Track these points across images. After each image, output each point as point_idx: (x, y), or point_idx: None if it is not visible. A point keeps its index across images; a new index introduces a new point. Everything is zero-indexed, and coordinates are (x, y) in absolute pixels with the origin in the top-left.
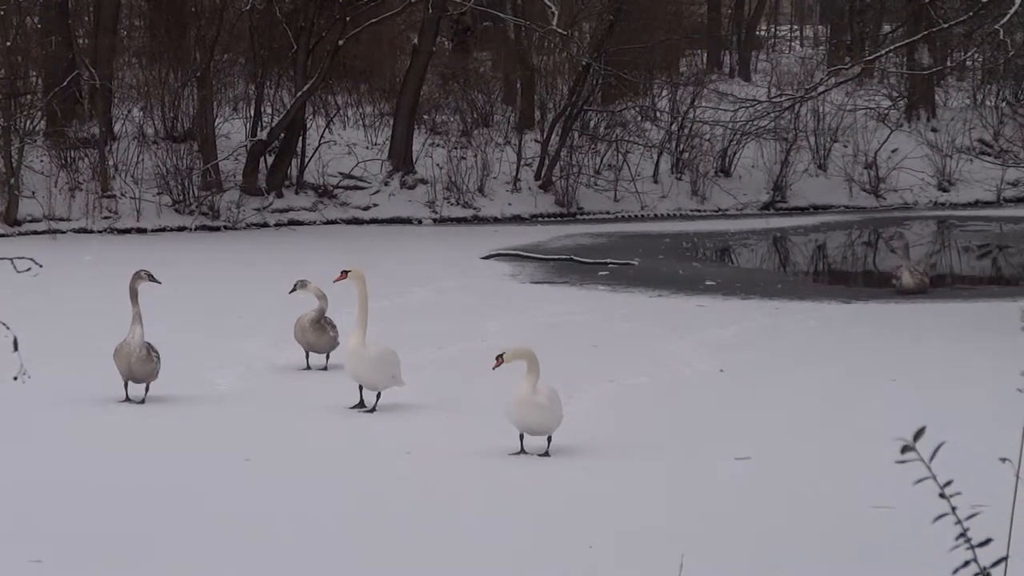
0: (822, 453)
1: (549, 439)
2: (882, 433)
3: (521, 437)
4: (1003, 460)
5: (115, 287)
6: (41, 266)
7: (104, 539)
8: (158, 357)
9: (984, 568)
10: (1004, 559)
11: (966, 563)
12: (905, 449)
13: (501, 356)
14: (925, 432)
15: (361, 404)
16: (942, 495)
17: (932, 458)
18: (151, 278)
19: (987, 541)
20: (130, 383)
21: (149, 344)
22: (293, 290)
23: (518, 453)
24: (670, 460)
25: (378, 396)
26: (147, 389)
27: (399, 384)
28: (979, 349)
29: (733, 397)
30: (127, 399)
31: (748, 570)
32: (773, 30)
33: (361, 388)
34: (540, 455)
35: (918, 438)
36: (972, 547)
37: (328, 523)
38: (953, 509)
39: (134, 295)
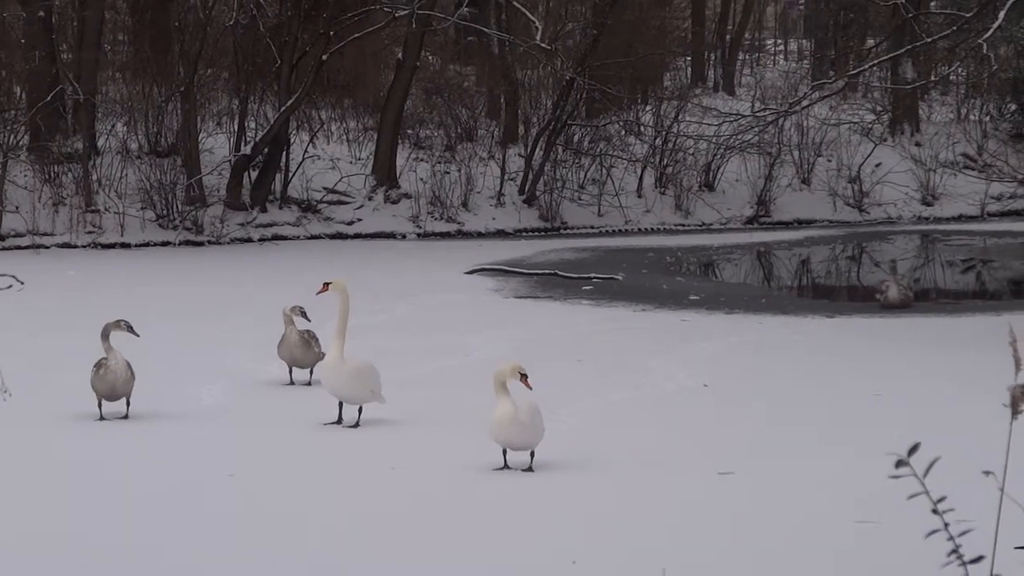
0: (805, 468)
1: (532, 454)
2: (866, 448)
3: (504, 452)
4: (987, 473)
5: (98, 302)
6: (23, 283)
7: (88, 554)
8: (133, 373)
9: None
10: None
11: None
12: (899, 464)
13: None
14: (906, 446)
15: (339, 420)
16: (935, 511)
17: (926, 474)
18: (130, 330)
19: (979, 558)
20: (105, 401)
21: (126, 361)
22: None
23: (502, 468)
24: (654, 475)
25: (360, 411)
26: (128, 404)
27: (379, 400)
28: (963, 363)
29: (717, 412)
30: (102, 418)
31: None
32: (757, 44)
33: (341, 405)
34: (523, 470)
35: (912, 453)
36: (964, 563)
37: (312, 538)
38: (946, 525)
39: (105, 336)
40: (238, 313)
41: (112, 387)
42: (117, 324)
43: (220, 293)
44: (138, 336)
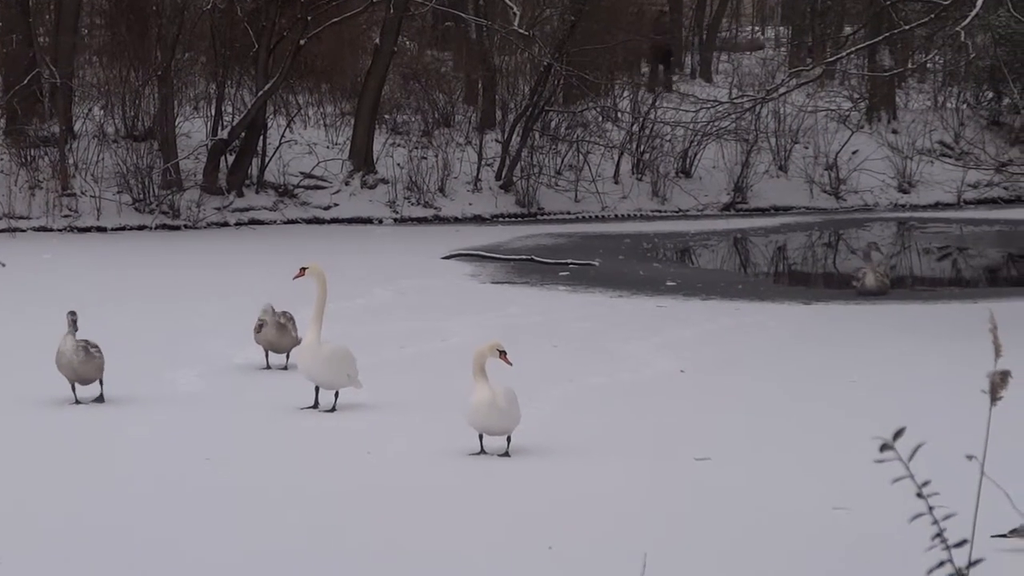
0: (782, 454)
1: (508, 439)
2: (842, 434)
3: (481, 438)
4: (970, 458)
5: (74, 286)
6: (4, 265)
7: (64, 538)
8: (99, 352)
9: (960, 569)
10: (976, 562)
11: (941, 563)
12: (884, 448)
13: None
14: (882, 432)
15: (315, 405)
16: (919, 495)
17: (911, 458)
18: (73, 323)
19: (963, 542)
20: (78, 385)
21: (86, 342)
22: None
23: (478, 453)
24: (630, 461)
25: (336, 396)
26: (101, 385)
27: (355, 385)
28: (939, 350)
29: (693, 398)
30: (77, 401)
31: (708, 571)
32: (735, 31)
33: (317, 389)
34: (500, 455)
35: (898, 438)
36: (948, 547)
37: (287, 522)
38: (931, 509)
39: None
40: (214, 297)
41: (72, 369)
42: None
43: (197, 277)
44: (76, 330)
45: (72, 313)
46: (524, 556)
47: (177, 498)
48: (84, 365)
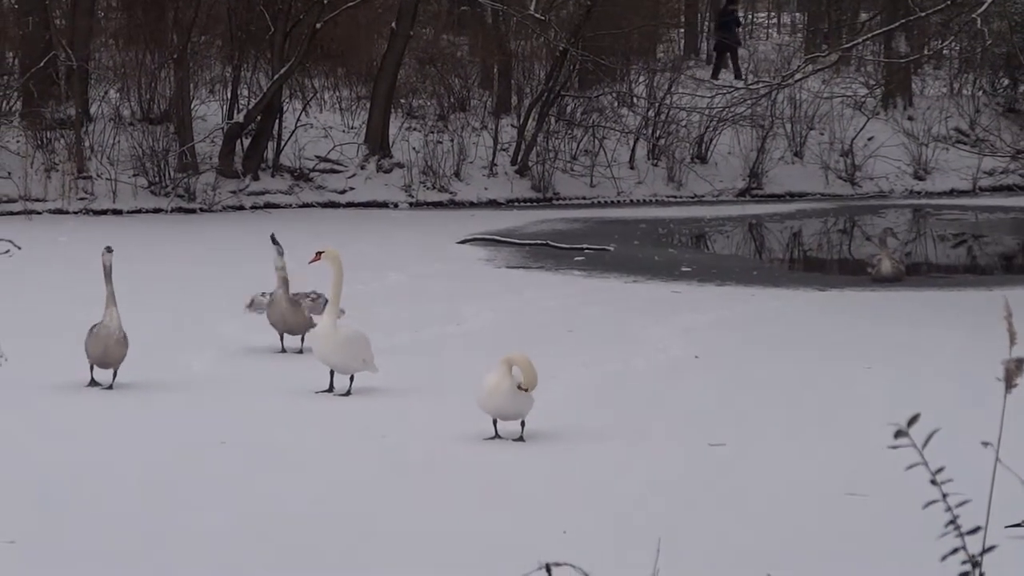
0: (796, 440)
1: (523, 424)
2: (857, 421)
3: (495, 422)
4: (985, 444)
5: (90, 268)
6: (20, 248)
7: (77, 520)
8: (127, 339)
9: (973, 556)
10: (990, 548)
11: (955, 550)
12: (898, 434)
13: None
14: (897, 418)
15: (330, 388)
16: (933, 482)
17: (925, 445)
18: (108, 251)
19: (976, 529)
20: (96, 368)
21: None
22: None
23: (492, 438)
24: (644, 446)
25: (351, 380)
26: (115, 374)
27: (371, 369)
28: (954, 337)
29: (708, 383)
30: (92, 382)
31: (723, 557)
32: (750, 17)
33: (332, 373)
34: (514, 440)
35: (912, 424)
36: (962, 534)
37: (303, 506)
38: (944, 496)
39: (108, 274)
40: (230, 280)
41: (104, 346)
42: (107, 252)
43: (212, 260)
44: (109, 252)
45: (109, 249)
46: (539, 540)
47: (192, 481)
48: (117, 346)
